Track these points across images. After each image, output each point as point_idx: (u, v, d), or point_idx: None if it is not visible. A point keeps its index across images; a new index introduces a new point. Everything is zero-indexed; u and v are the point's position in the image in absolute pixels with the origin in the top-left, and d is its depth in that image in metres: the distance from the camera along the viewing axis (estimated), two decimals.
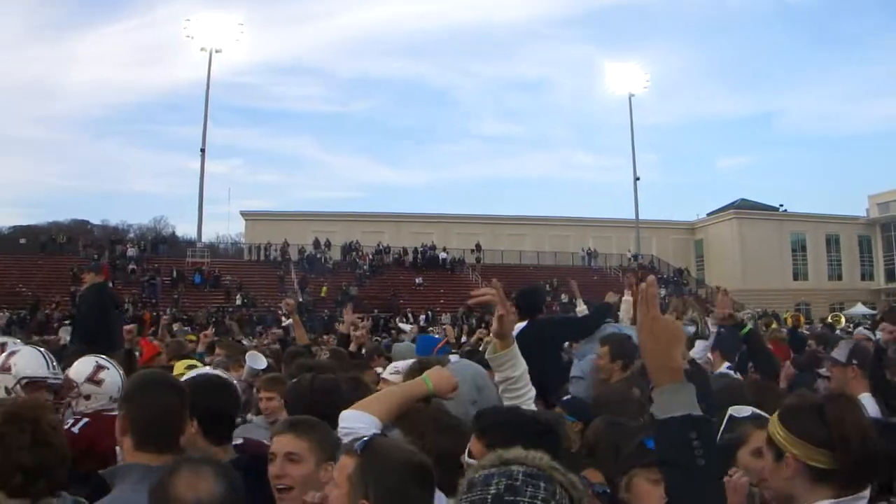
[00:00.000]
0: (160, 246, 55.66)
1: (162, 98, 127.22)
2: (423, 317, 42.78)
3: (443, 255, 55.57)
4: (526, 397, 3.31)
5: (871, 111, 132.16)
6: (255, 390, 5.69)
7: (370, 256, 54.63)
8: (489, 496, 1.69)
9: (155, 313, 32.97)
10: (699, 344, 6.70)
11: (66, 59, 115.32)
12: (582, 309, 8.46)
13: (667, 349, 1.93)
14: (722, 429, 3.10)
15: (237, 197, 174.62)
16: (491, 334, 3.88)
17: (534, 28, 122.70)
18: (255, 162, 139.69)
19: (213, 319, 32.94)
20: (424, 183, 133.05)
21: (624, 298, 7.99)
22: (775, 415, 2.38)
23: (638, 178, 65.47)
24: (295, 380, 4.12)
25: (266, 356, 8.08)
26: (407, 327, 23.57)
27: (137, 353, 6.94)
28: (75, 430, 3.65)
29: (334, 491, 2.23)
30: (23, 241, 54.96)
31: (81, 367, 4.02)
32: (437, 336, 9.88)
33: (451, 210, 71.27)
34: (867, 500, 2.18)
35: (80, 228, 69.78)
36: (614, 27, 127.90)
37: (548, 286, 38.84)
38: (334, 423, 2.99)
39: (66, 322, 25.18)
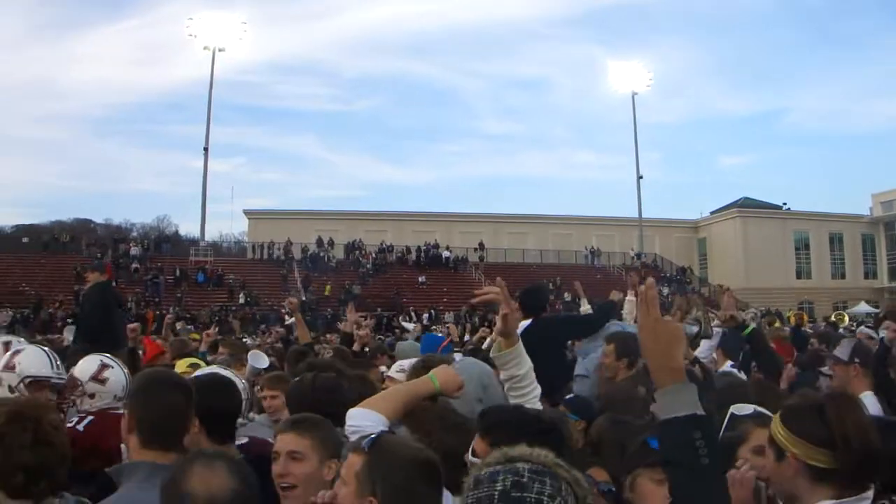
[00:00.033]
0: (163, 245, 55.69)
1: (165, 97, 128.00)
2: (426, 315, 42.79)
3: (446, 253, 55.58)
4: (531, 395, 3.31)
5: (874, 110, 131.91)
6: (258, 389, 5.69)
7: (373, 255, 54.65)
8: (496, 492, 1.70)
9: (158, 312, 32.96)
10: (704, 343, 6.70)
11: (69, 59, 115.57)
12: (586, 309, 8.44)
13: (667, 350, 1.95)
14: (723, 427, 3.10)
15: (240, 195, 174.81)
16: (494, 333, 3.89)
17: (536, 27, 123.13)
18: (259, 160, 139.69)
19: (217, 318, 32.94)
20: (427, 182, 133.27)
21: (627, 298, 7.98)
22: (777, 414, 2.38)
23: (641, 177, 65.48)
24: (296, 379, 4.13)
25: (269, 355, 8.08)
26: (410, 326, 23.52)
27: (141, 352, 6.96)
28: (80, 427, 3.66)
29: (343, 489, 2.24)
30: (26, 240, 55.06)
31: (86, 366, 4.02)
32: (440, 335, 9.89)
33: (454, 209, 71.57)
34: (870, 500, 2.17)
35: (83, 227, 69.85)
36: (617, 26, 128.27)
37: (551, 285, 38.81)
38: (336, 422, 2.99)
39: (70, 321, 25.20)
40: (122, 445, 2.96)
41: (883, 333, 7.35)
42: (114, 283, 10.27)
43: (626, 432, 3.37)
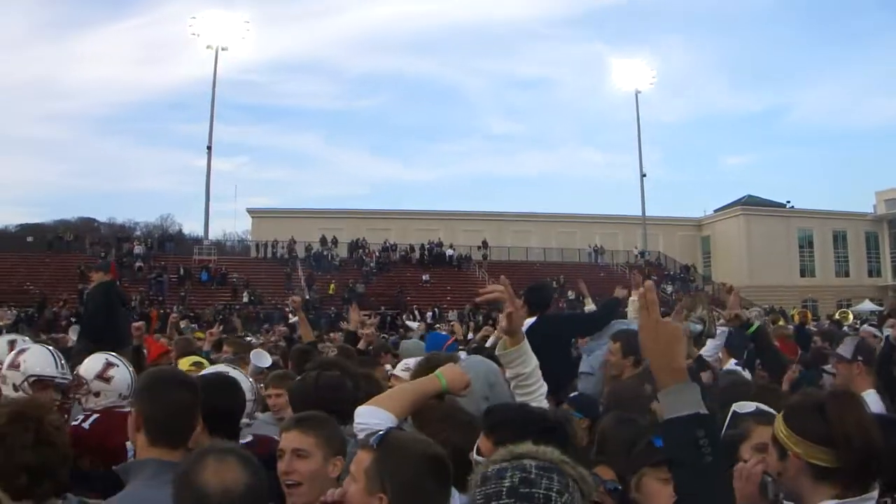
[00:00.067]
0: (167, 243, 55.72)
1: (168, 96, 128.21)
2: (429, 314, 42.81)
3: (449, 251, 55.52)
4: (538, 393, 3.32)
5: (878, 107, 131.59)
6: (262, 387, 5.69)
7: (377, 254, 54.63)
8: (504, 489, 1.72)
9: (162, 311, 33.05)
10: (710, 343, 6.72)
11: (72, 58, 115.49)
12: (591, 308, 8.45)
13: (668, 350, 1.97)
14: (725, 425, 3.10)
15: (244, 194, 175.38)
16: (498, 331, 3.89)
17: (539, 26, 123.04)
18: (262, 159, 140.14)
19: (220, 317, 32.95)
20: (431, 180, 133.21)
21: (632, 298, 7.98)
22: (780, 413, 2.38)
23: (644, 175, 65.41)
24: (299, 377, 4.14)
25: (272, 353, 8.09)
26: (414, 325, 23.55)
27: (144, 351, 6.96)
28: (86, 426, 3.67)
29: (352, 486, 2.25)
30: (30, 239, 55.10)
31: (91, 364, 4.03)
32: (443, 333, 9.89)
33: (457, 207, 71.33)
34: (874, 501, 2.17)
35: (86, 226, 69.95)
36: (620, 24, 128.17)
37: (554, 283, 38.78)
38: (340, 420, 3.00)
39: (73, 320, 25.21)
40: (128, 443, 2.97)
41: (887, 331, 7.35)
42: (118, 283, 10.24)
43: (632, 431, 3.37)
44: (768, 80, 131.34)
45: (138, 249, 50.50)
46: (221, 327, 13.19)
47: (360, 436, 2.64)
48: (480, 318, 30.34)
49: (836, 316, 24.48)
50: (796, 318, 15.89)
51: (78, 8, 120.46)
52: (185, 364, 5.66)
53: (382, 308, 42.24)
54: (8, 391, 3.89)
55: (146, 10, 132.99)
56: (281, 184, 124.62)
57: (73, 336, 12.00)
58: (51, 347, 4.37)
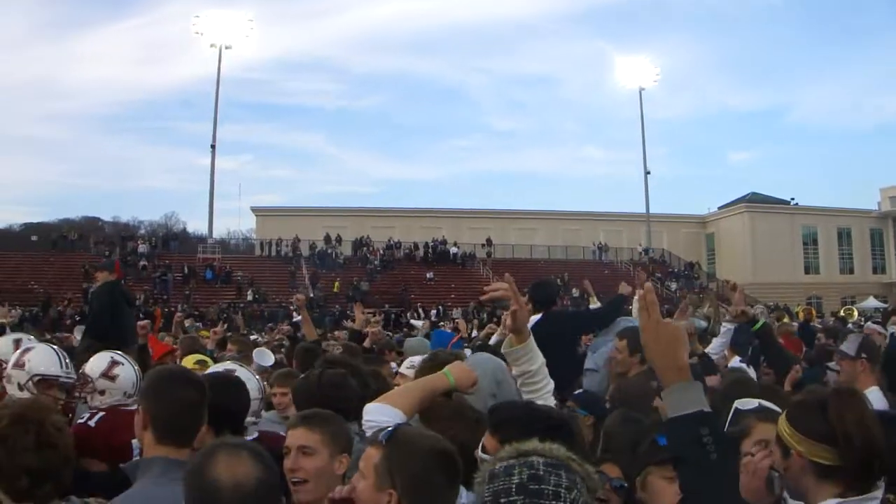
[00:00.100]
0: (171, 242, 55.77)
1: (172, 95, 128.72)
2: (433, 311, 42.84)
3: (453, 249, 55.56)
4: (544, 391, 3.31)
5: (882, 104, 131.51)
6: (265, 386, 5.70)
7: (381, 251, 54.65)
8: (513, 485, 1.72)
9: (166, 309, 33.11)
10: (716, 341, 6.72)
11: (75, 57, 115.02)
12: (596, 306, 8.44)
13: (669, 350, 1.99)
14: (727, 422, 3.10)
15: (248, 193, 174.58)
16: (502, 327, 3.88)
17: (543, 23, 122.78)
18: (266, 157, 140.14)
19: (225, 315, 33.01)
20: (435, 178, 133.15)
21: (636, 297, 7.97)
22: (784, 412, 2.38)
23: (648, 172, 65.49)
24: (303, 375, 4.14)
25: (276, 352, 8.10)
26: (419, 323, 23.56)
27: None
28: (91, 423, 3.69)
29: (361, 482, 2.25)
30: (34, 238, 55.15)
31: (96, 363, 4.03)
32: (448, 331, 9.89)
33: (461, 205, 71.61)
34: (878, 500, 2.16)
35: (91, 225, 70.18)
36: (624, 21, 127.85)
37: (559, 280, 38.77)
38: (344, 417, 3.01)
39: (78, 319, 25.26)
40: (134, 441, 2.97)
41: (892, 328, 7.35)
42: (123, 282, 10.24)
43: (638, 429, 3.37)
44: (772, 77, 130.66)
45: (142, 248, 50.59)
46: (225, 325, 13.21)
47: (370, 433, 2.65)
48: (485, 315, 30.34)
49: (841, 313, 24.43)
50: (801, 315, 15.92)
51: (78, 8, 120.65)
52: (188, 362, 5.67)
53: (386, 306, 42.32)
54: (13, 390, 3.89)
55: (149, 9, 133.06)
56: (285, 182, 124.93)
57: (77, 336, 12.00)
58: (55, 347, 4.37)
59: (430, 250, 55.22)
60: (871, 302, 48.89)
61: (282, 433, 3.20)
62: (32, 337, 5.82)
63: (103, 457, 3.46)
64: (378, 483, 2.19)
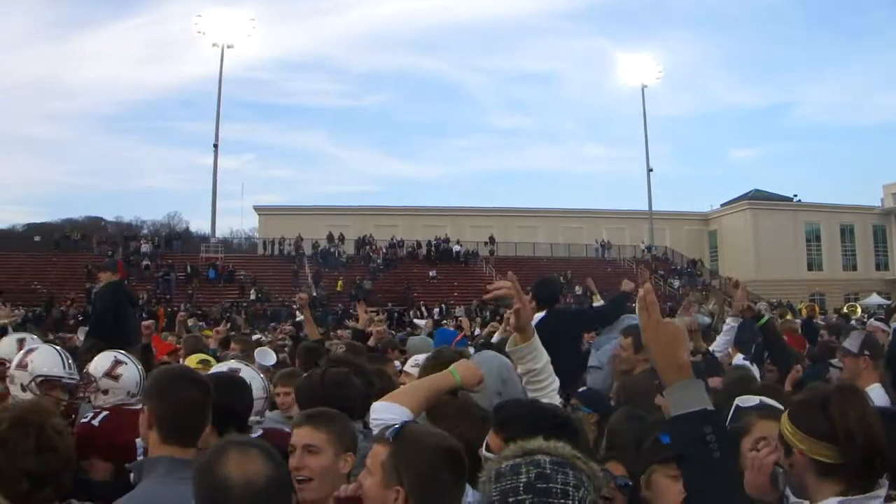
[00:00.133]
0: (174, 242, 55.85)
1: (174, 94, 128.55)
2: (436, 310, 42.85)
3: (456, 247, 55.57)
4: (549, 389, 3.30)
5: (885, 101, 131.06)
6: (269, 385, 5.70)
7: (384, 250, 54.68)
8: (521, 484, 1.73)
9: (169, 309, 33.12)
10: (720, 338, 6.71)
11: (77, 57, 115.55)
12: (599, 304, 8.44)
13: (669, 349, 2.00)
14: (728, 419, 3.10)
15: (250, 192, 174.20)
16: (503, 326, 3.87)
17: (544, 21, 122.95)
18: (268, 157, 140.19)
19: (227, 315, 33.04)
20: (437, 176, 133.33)
21: (639, 296, 7.95)
22: (786, 410, 2.38)
23: (651, 170, 65.41)
24: (306, 374, 4.14)
25: (279, 352, 8.10)
26: (422, 322, 23.57)
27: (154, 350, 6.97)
28: (95, 423, 3.68)
29: (368, 479, 2.26)
30: (37, 238, 55.24)
31: (100, 362, 4.03)
32: (451, 329, 9.88)
33: (463, 203, 71.34)
34: (882, 499, 2.15)
35: (93, 225, 70.15)
36: (625, 19, 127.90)
37: (561, 278, 38.76)
38: (347, 416, 3.01)
39: (81, 319, 25.28)
40: (137, 440, 2.97)
41: (895, 325, 7.34)
42: (126, 282, 10.24)
43: (643, 427, 3.36)
44: (774, 74, 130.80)
45: (145, 248, 50.64)
46: (228, 325, 13.22)
47: (376, 431, 2.65)
48: (488, 313, 30.37)
49: (844, 310, 24.42)
50: (804, 312, 15.89)
51: (80, 7, 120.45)
52: (191, 362, 5.67)
53: (389, 304, 42.29)
54: (16, 391, 3.90)
55: (151, 8, 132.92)
56: (287, 181, 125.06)
57: (81, 337, 12.02)
58: (58, 347, 4.37)
59: (432, 249, 55.21)
60: (875, 298, 48.84)
61: (286, 428, 3.20)
62: (36, 337, 5.82)
63: (107, 456, 3.46)
64: (385, 480, 2.19)
